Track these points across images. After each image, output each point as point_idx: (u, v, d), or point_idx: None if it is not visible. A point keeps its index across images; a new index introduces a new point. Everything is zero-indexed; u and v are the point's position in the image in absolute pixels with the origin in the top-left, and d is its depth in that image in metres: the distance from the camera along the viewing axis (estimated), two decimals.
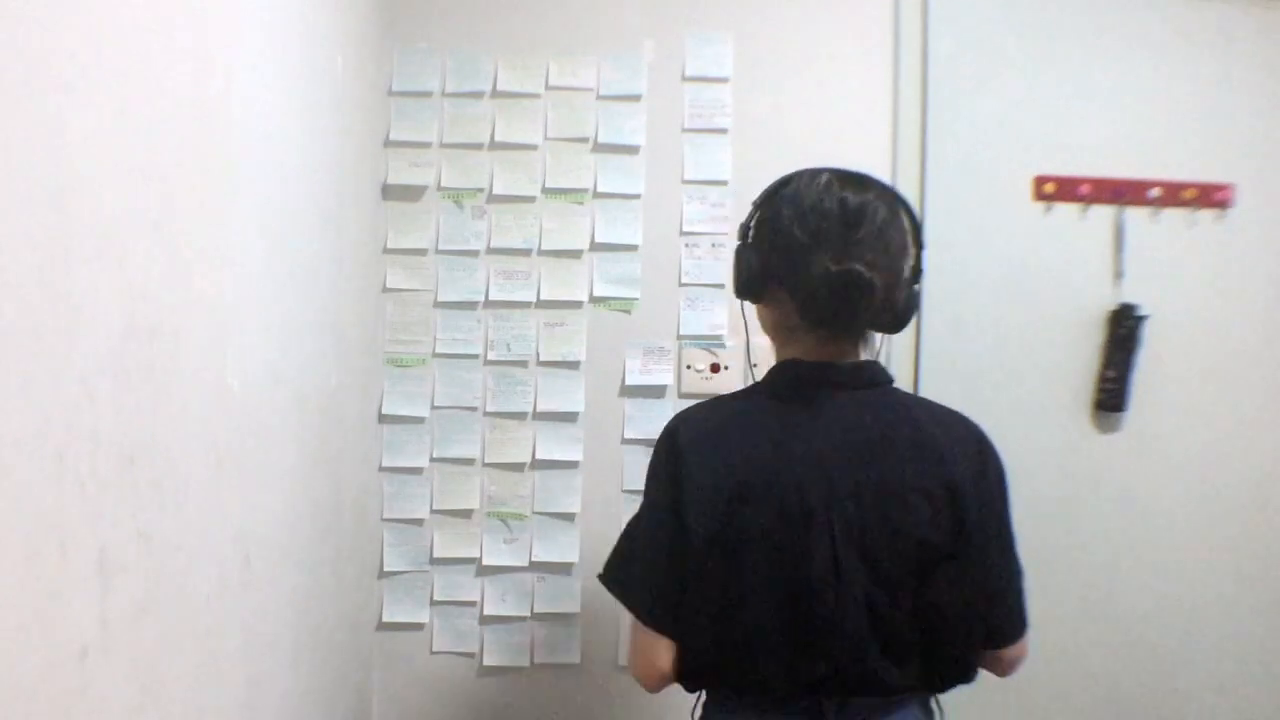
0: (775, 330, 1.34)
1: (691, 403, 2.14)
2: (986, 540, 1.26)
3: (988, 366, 2.11)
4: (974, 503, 1.24)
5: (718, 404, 1.35)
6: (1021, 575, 1.33)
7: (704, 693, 1.33)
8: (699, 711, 1.34)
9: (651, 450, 1.33)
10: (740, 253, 1.34)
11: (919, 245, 1.31)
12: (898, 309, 1.29)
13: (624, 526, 1.36)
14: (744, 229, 1.35)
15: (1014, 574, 1.31)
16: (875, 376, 1.30)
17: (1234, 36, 2.12)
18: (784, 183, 1.32)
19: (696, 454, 1.25)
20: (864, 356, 1.32)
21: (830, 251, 1.23)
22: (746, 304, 1.37)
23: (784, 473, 1.22)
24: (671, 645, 1.28)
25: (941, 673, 1.27)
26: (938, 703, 1.35)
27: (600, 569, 1.36)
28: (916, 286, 1.31)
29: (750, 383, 1.42)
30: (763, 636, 1.22)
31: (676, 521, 1.25)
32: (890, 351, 2.07)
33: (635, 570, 1.31)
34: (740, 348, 2.06)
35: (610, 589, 1.33)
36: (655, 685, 1.33)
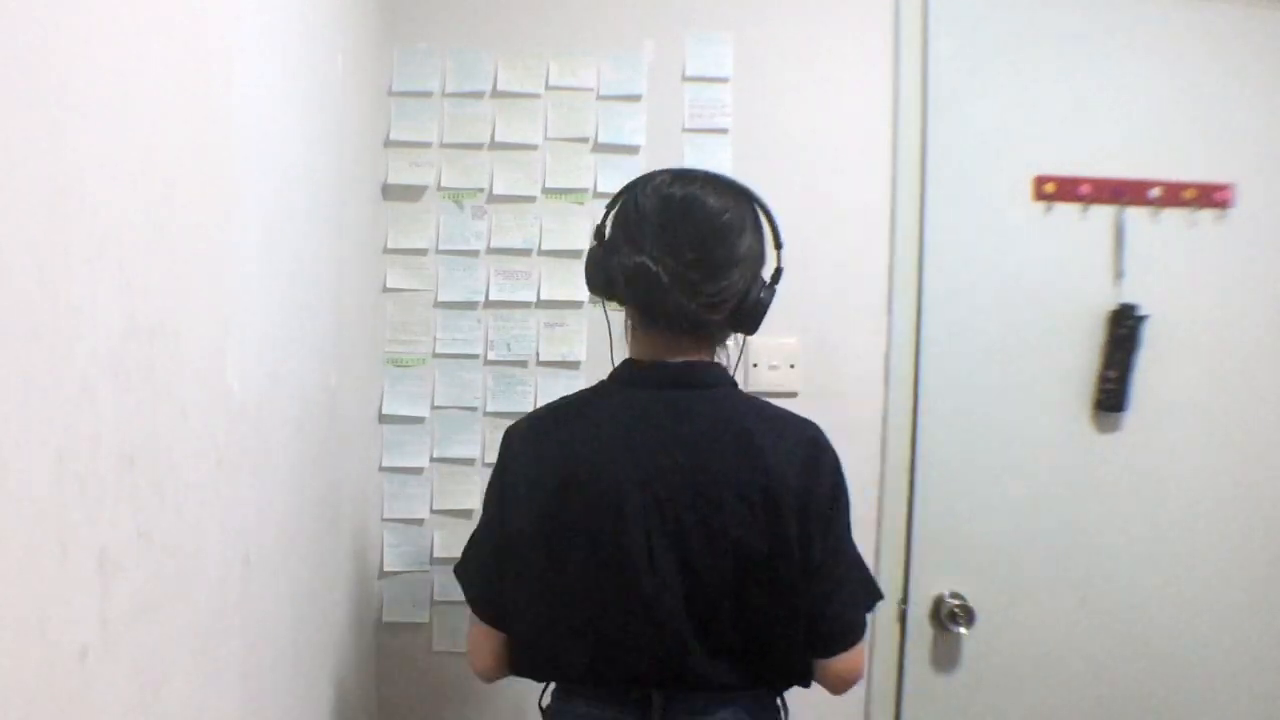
0: (627, 333, 1.37)
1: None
2: (809, 545, 1.24)
3: (988, 366, 2.11)
4: (795, 507, 1.23)
5: (557, 402, 1.38)
6: (856, 585, 1.31)
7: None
8: (546, 699, 1.38)
9: None
10: (591, 254, 1.37)
11: (777, 245, 1.34)
12: (740, 306, 1.29)
13: None
14: (597, 230, 1.38)
15: (843, 582, 1.28)
16: (708, 377, 1.30)
17: (1234, 36, 2.12)
18: (632, 185, 1.34)
19: (523, 449, 1.32)
20: (715, 358, 1.33)
21: (630, 244, 1.26)
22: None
23: (603, 468, 1.24)
24: (499, 637, 1.33)
25: (771, 674, 1.27)
26: (782, 700, 1.36)
27: None
28: (764, 290, 1.31)
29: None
30: (582, 628, 1.24)
31: (500, 516, 1.32)
32: (889, 352, 2.07)
33: (470, 565, 1.38)
34: (737, 348, 2.06)
35: (458, 581, 1.40)
36: (487, 675, 1.38)
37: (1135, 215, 2.11)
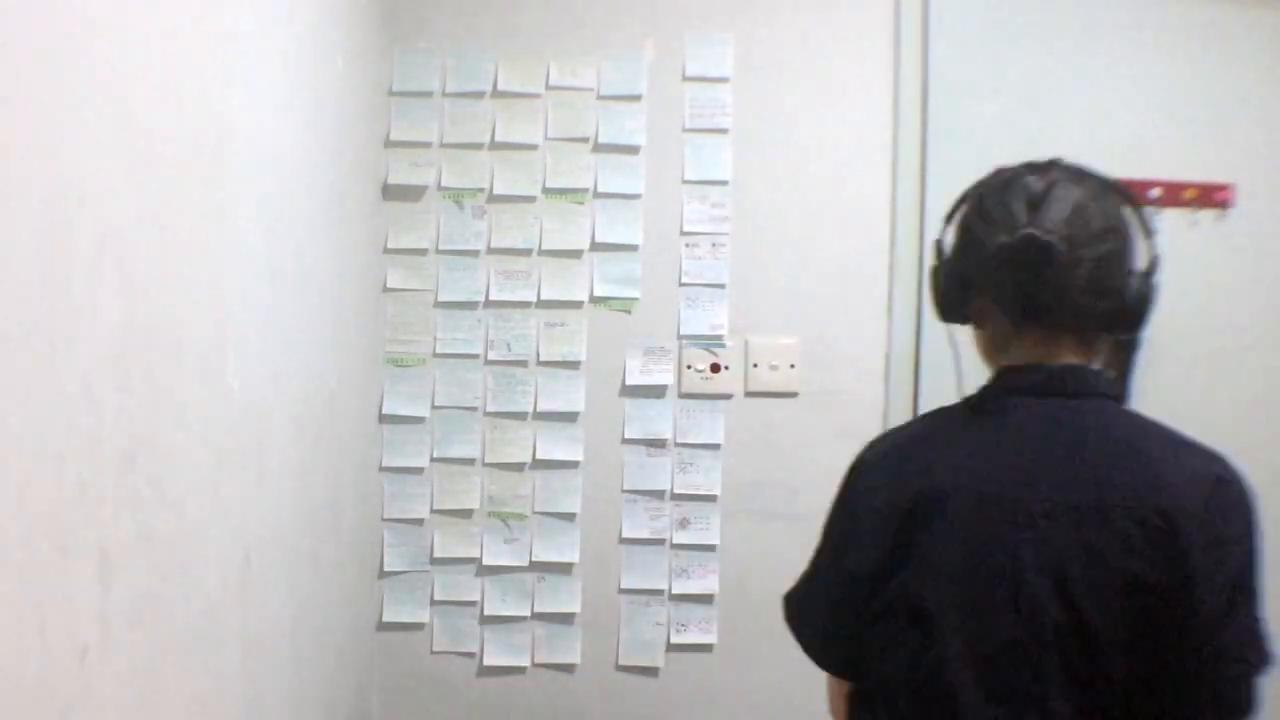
0: (989, 353, 1.16)
1: (692, 402, 2.17)
2: (1210, 594, 1.00)
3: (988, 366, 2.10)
4: (1199, 540, 1.00)
5: (908, 424, 1.24)
6: (1255, 662, 1.03)
7: None
8: None
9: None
10: (934, 273, 1.20)
11: (1148, 234, 1.13)
12: (1123, 296, 1.10)
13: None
14: (936, 246, 1.20)
15: (1240, 650, 1.02)
16: (1098, 383, 1.12)
17: (1234, 36, 2.12)
18: (969, 193, 1.19)
19: (869, 477, 1.14)
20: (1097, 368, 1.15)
21: (1006, 227, 1.08)
22: (953, 327, 1.20)
23: (963, 489, 1.06)
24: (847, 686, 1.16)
25: None
26: None
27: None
28: (1150, 278, 1.11)
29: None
30: (944, 675, 1.04)
31: (840, 560, 1.14)
32: (889, 352, 2.07)
33: (807, 608, 1.20)
34: (740, 348, 2.06)
35: (787, 625, 1.21)
36: None
37: None
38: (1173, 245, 2.10)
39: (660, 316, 2.06)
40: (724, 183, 2.07)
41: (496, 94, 2.05)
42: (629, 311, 2.06)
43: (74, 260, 0.81)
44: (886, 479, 1.12)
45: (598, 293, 2.05)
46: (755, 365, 2.05)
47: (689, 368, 2.06)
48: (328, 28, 1.62)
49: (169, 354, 0.99)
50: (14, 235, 0.72)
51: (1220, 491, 1.06)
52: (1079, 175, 1.15)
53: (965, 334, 1.18)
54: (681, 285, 2.06)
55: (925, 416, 1.21)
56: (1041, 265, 1.06)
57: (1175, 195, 2.11)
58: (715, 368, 2.06)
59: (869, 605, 1.11)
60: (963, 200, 1.19)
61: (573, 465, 2.05)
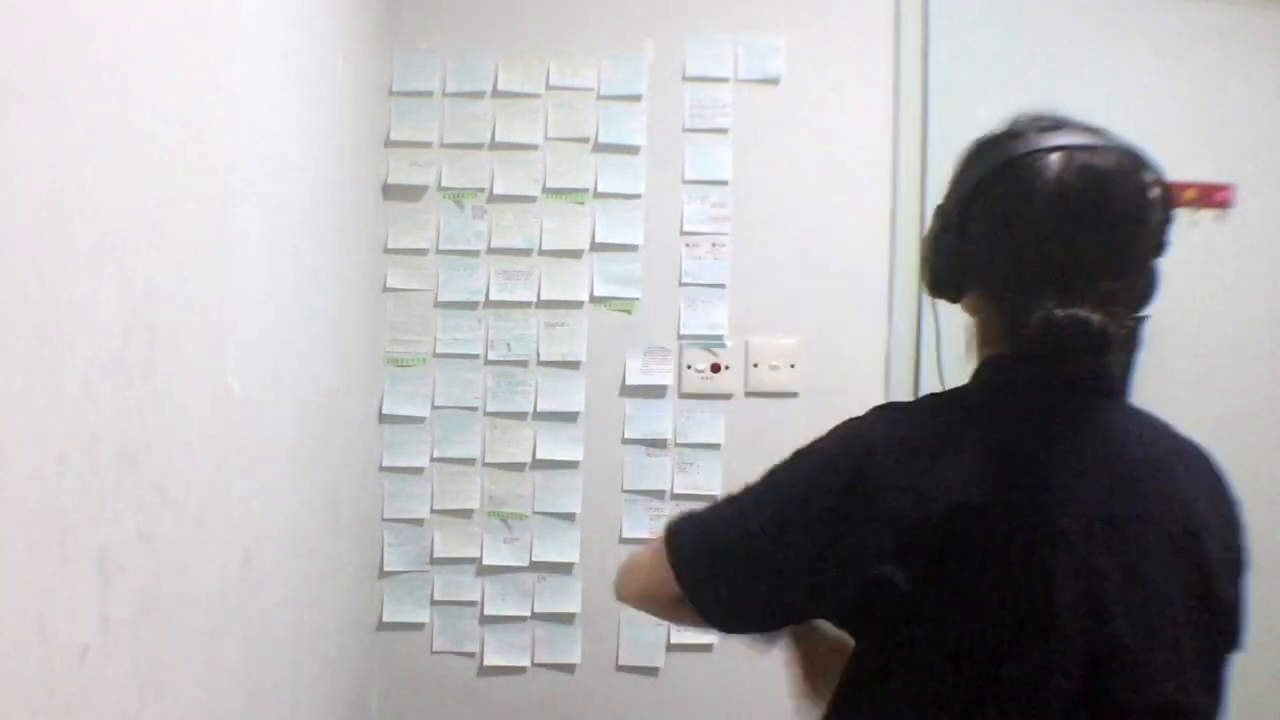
0: (981, 339, 1.05)
1: (692, 402, 2.17)
2: (1235, 608, 0.98)
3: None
4: (1218, 553, 0.97)
5: (918, 408, 1.05)
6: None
7: None
8: None
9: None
10: (937, 241, 1.07)
11: (1167, 210, 1.05)
12: (1129, 342, 1.04)
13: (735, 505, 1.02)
14: (942, 214, 1.08)
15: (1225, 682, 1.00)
16: (1114, 380, 1.04)
17: (1234, 36, 2.12)
18: (990, 148, 1.03)
19: (876, 476, 0.94)
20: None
21: (1056, 280, 0.95)
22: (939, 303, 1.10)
23: (989, 506, 0.92)
24: (674, 591, 1.01)
25: None
26: None
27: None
28: (1158, 260, 1.05)
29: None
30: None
31: (786, 533, 0.95)
32: (889, 352, 2.07)
33: (718, 566, 1.01)
34: (741, 348, 2.06)
35: (671, 545, 1.02)
36: (637, 600, 1.11)
37: None
38: (1173, 246, 2.11)
39: (660, 316, 2.06)
40: (724, 183, 2.07)
41: (496, 94, 2.05)
42: (629, 311, 2.06)
43: (74, 260, 0.81)
44: (900, 484, 0.93)
45: (598, 293, 2.05)
46: (755, 365, 2.05)
47: (689, 368, 2.06)
48: (328, 28, 1.62)
49: (169, 354, 0.99)
50: (14, 235, 0.72)
51: (1227, 496, 1.04)
52: (1125, 156, 1.01)
53: (949, 326, 1.09)
54: (681, 285, 2.06)
55: (937, 406, 1.02)
56: (1085, 352, 0.97)
57: (1175, 196, 2.11)
58: (715, 368, 2.06)
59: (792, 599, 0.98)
60: (975, 158, 1.04)
61: (573, 465, 2.05)
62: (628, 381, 2.06)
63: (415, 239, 2.05)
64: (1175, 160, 2.16)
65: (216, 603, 1.14)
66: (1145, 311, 1.04)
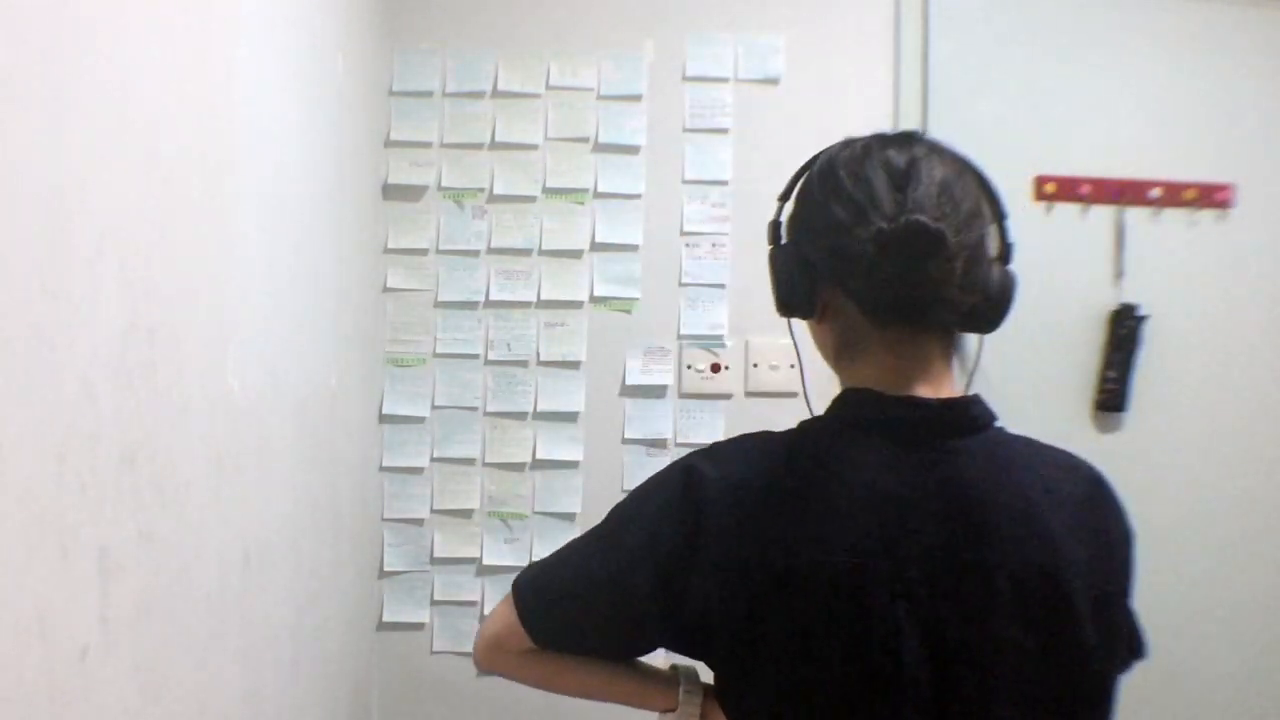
0: (838, 352, 1.03)
1: (692, 402, 2.17)
2: (1108, 647, 0.94)
3: (988, 366, 2.10)
4: (1086, 595, 0.92)
5: (751, 446, 1.00)
6: (1133, 660, 1.01)
7: None
8: None
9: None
10: (774, 258, 1.05)
11: (999, 216, 1.01)
12: (988, 290, 0.98)
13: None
14: (774, 227, 1.07)
15: (1123, 666, 0.99)
16: (979, 416, 0.98)
17: (1234, 36, 2.12)
18: (810, 164, 1.06)
19: (711, 516, 0.93)
20: (957, 375, 1.03)
21: (879, 212, 0.93)
22: (797, 326, 1.08)
23: (842, 557, 0.90)
24: (526, 644, 1.04)
25: None
26: None
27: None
28: (1008, 266, 1.01)
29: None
30: None
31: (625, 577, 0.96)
32: None
33: (552, 596, 1.03)
34: (741, 348, 2.06)
35: (515, 596, 1.03)
36: (490, 657, 1.08)
37: (1135, 215, 2.11)
38: (1173, 245, 2.12)
39: (660, 316, 2.06)
40: (724, 183, 2.07)
41: (496, 94, 2.05)
42: (629, 311, 2.06)
43: (74, 260, 0.81)
44: (734, 532, 0.92)
45: (598, 293, 2.05)
46: (755, 365, 2.05)
47: (689, 368, 2.06)
48: (328, 28, 1.62)
49: (169, 354, 0.99)
50: (14, 235, 0.72)
51: (1106, 526, 0.98)
52: (939, 150, 1.01)
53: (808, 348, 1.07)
54: (681, 285, 2.07)
55: (778, 448, 0.98)
56: (926, 256, 0.91)
57: (1176, 195, 2.11)
58: (715, 368, 2.06)
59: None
60: (804, 173, 1.05)
61: (573, 465, 2.05)
62: (628, 381, 2.06)
63: (415, 239, 2.05)
64: (1175, 160, 2.18)
65: (216, 603, 1.14)
66: (994, 324, 1.02)
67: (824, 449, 0.96)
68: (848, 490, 0.92)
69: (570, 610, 1.01)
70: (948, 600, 0.90)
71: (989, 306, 0.99)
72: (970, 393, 1.01)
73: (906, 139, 1.01)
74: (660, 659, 1.06)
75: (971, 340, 1.05)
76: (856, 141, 1.03)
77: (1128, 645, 0.99)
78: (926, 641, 0.89)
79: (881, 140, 1.01)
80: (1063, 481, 0.97)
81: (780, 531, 0.91)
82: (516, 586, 1.04)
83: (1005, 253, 1.01)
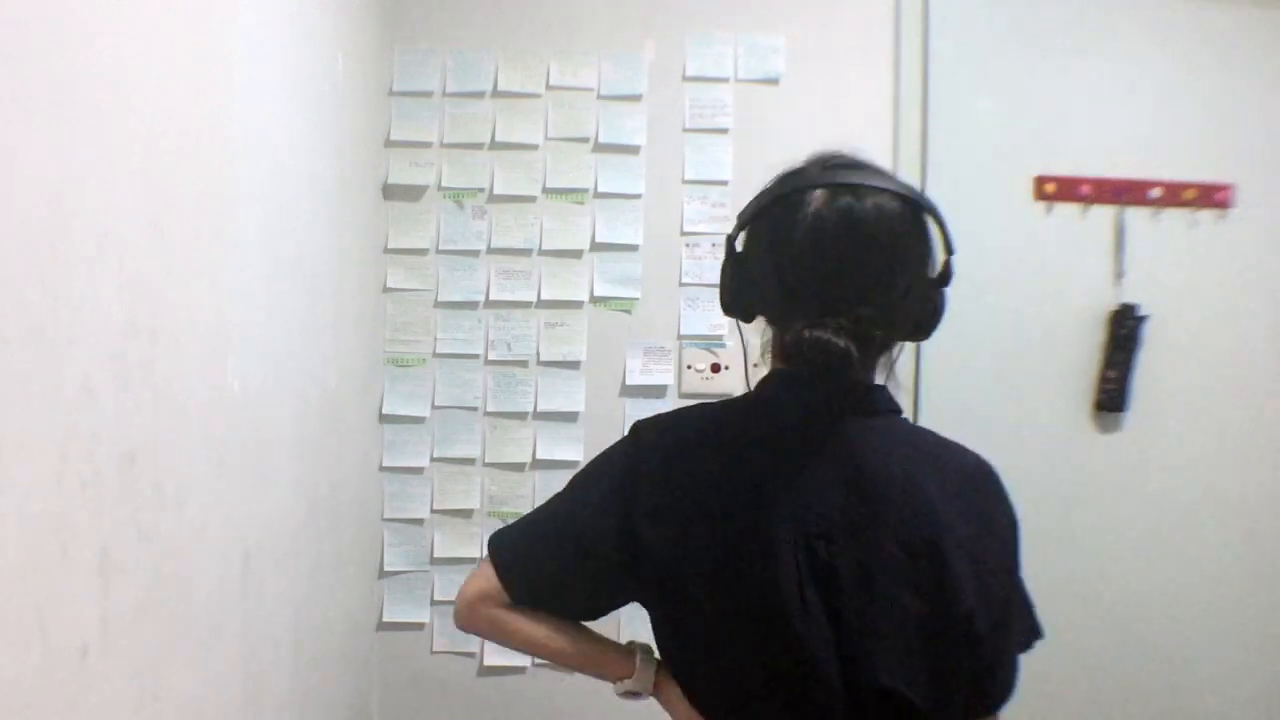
0: (765, 346, 1.18)
1: (693, 402, 2.15)
2: (984, 608, 1.04)
3: (988, 367, 2.11)
4: (966, 563, 1.03)
5: (697, 414, 1.16)
6: (1024, 634, 1.12)
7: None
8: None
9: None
10: (725, 267, 1.19)
11: (948, 252, 1.12)
12: (919, 321, 1.11)
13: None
14: (729, 241, 1.20)
15: (1013, 636, 1.10)
16: (879, 402, 1.11)
17: (1234, 36, 2.12)
18: (764, 193, 1.19)
19: (659, 464, 1.08)
20: (879, 367, 1.12)
21: (790, 300, 1.08)
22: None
23: (755, 503, 1.04)
24: (501, 594, 1.15)
25: None
26: None
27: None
28: (941, 290, 1.12)
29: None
30: (737, 667, 1.06)
31: (613, 523, 1.08)
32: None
33: (524, 547, 1.15)
34: (741, 348, 2.06)
35: (492, 551, 1.15)
36: (471, 610, 1.19)
37: (1135, 215, 2.11)
38: (1173, 245, 2.12)
39: (660, 316, 2.06)
40: (724, 183, 2.07)
41: (496, 94, 2.05)
42: (629, 311, 2.06)
43: (74, 260, 0.81)
44: (659, 478, 1.06)
45: (598, 293, 2.05)
46: (755, 365, 2.05)
47: (689, 368, 2.06)
48: (328, 28, 1.62)
49: (169, 354, 0.99)
50: (14, 235, 0.72)
51: (990, 510, 1.08)
52: (878, 174, 1.16)
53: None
54: (681, 285, 2.07)
55: (707, 414, 1.14)
56: (837, 369, 1.04)
57: (1176, 195, 2.11)
58: (715, 368, 2.06)
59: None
60: (764, 190, 1.20)
61: (573, 465, 2.05)
62: (628, 381, 2.06)
63: (415, 239, 2.05)
64: (1175, 160, 2.18)
65: (216, 603, 1.14)
66: (925, 335, 1.12)
67: (747, 415, 1.12)
68: (766, 452, 1.06)
69: (546, 566, 1.13)
70: (843, 558, 1.01)
71: (916, 330, 1.11)
72: (878, 384, 1.12)
73: (849, 187, 1.14)
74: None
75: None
76: (819, 186, 1.15)
77: (1024, 624, 1.11)
78: (823, 595, 1.01)
79: (830, 194, 1.13)
80: (950, 465, 1.09)
81: (704, 479, 1.06)
82: (493, 545, 1.15)
83: (942, 277, 1.11)
